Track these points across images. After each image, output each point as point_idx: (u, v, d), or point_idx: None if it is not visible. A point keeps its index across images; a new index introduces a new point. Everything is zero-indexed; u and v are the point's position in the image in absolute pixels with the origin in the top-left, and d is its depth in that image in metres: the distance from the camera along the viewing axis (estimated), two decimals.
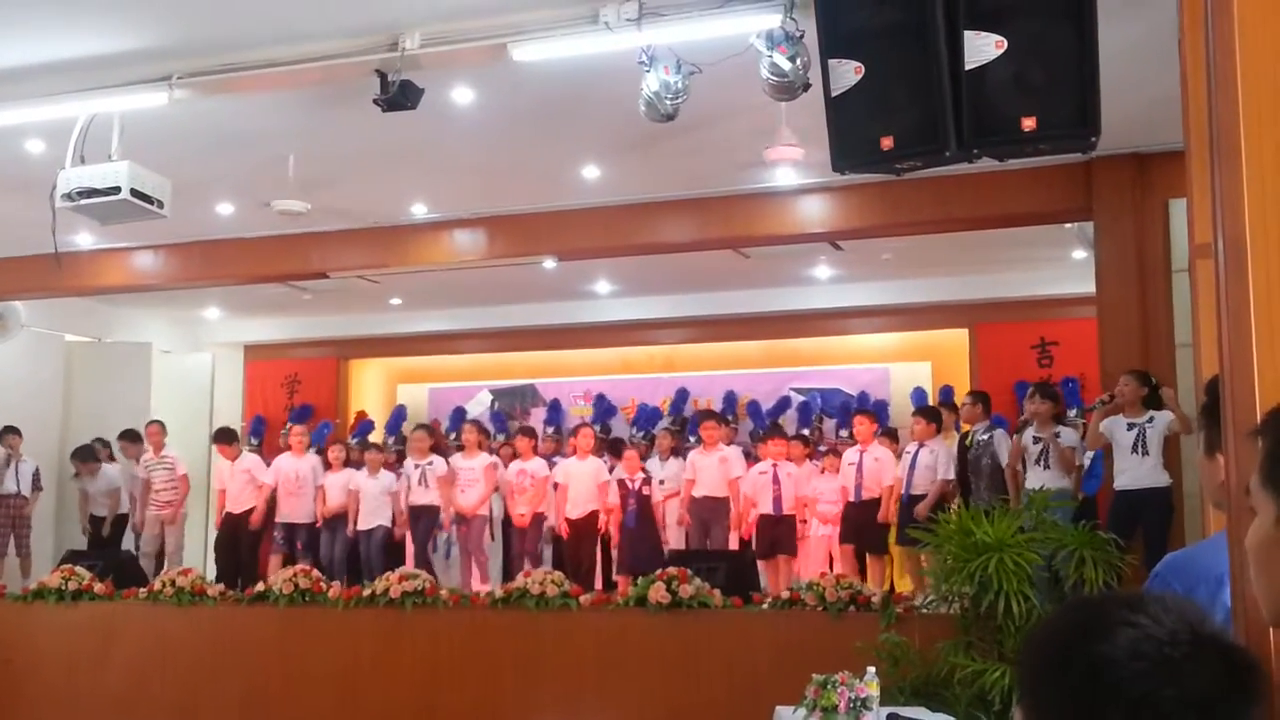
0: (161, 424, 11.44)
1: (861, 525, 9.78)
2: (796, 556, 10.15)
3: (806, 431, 12.26)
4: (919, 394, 12.99)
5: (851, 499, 9.94)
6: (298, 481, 10.81)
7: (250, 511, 10.80)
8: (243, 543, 10.77)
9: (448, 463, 10.57)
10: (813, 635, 7.01)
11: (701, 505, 9.98)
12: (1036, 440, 8.11)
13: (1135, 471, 7.51)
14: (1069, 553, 6.24)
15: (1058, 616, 1.37)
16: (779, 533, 9.97)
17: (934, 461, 9.37)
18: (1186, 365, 7.37)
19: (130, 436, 11.64)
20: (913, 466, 9.43)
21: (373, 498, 10.57)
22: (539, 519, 10.40)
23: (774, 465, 10.17)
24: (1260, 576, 1.39)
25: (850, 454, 10.21)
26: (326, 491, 10.76)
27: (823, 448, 11.65)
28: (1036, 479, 7.93)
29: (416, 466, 10.48)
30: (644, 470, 10.57)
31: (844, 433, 12.74)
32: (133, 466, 11.59)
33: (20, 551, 11.03)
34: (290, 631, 8.17)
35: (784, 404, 13.52)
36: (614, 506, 10.34)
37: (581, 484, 10.24)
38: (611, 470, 10.68)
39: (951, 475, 9.25)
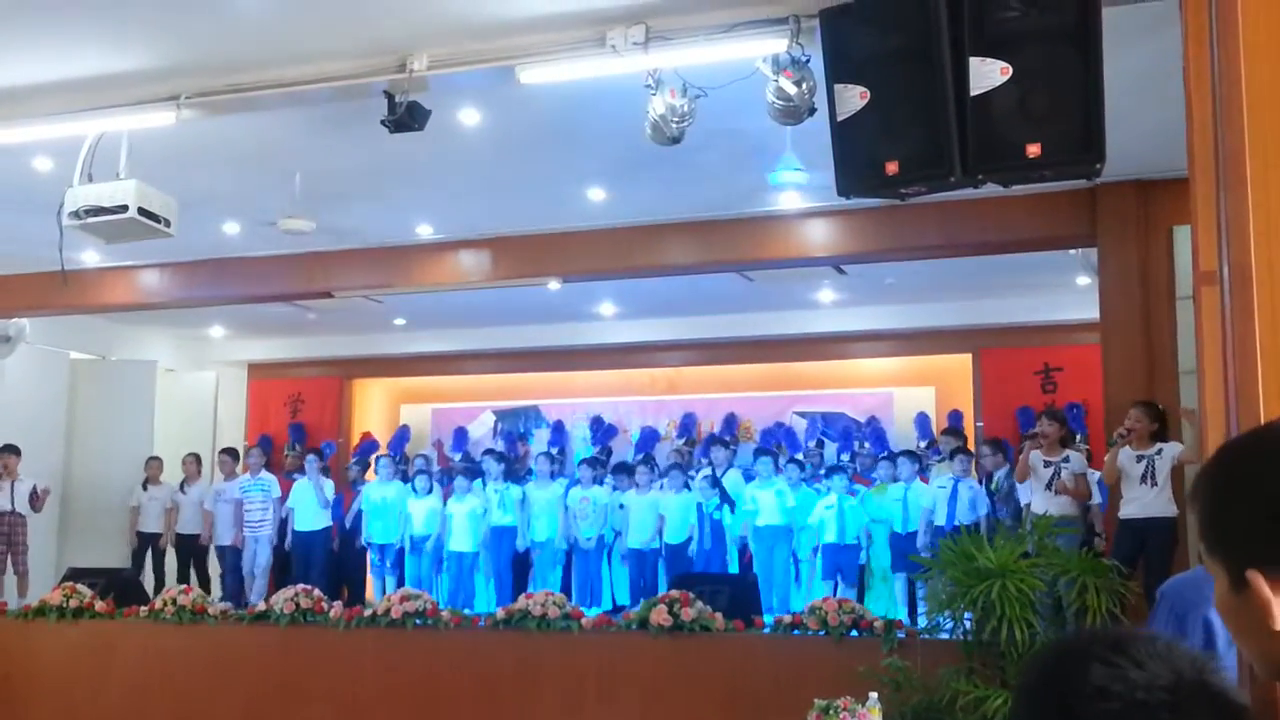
0: (262, 448, 12.42)
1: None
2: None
3: (801, 456, 12.23)
4: (922, 419, 12.99)
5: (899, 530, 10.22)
6: (385, 506, 11.59)
7: (320, 531, 11.49)
8: (314, 562, 11.34)
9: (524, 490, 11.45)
10: (815, 660, 6.99)
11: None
12: (1047, 464, 8.12)
13: (1143, 501, 7.50)
14: (1072, 579, 6.22)
15: (1044, 648, 1.37)
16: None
17: (974, 496, 9.80)
18: (1190, 392, 7.36)
19: (232, 454, 12.30)
20: (953, 498, 9.78)
21: (461, 521, 11.27)
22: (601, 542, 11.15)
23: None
24: (1237, 639, 1.38)
25: (896, 489, 10.38)
26: (415, 515, 11.37)
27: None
28: (1042, 504, 7.93)
29: (496, 491, 11.34)
30: (716, 497, 10.95)
31: (844, 457, 12.74)
32: (216, 485, 12.12)
33: (17, 570, 11.00)
34: (291, 651, 8.15)
35: (789, 433, 13.53)
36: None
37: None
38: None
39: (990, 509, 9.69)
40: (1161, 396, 7.76)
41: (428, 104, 6.07)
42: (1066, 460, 8.09)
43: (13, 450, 11.17)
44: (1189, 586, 2.07)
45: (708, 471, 11.46)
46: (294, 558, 11.45)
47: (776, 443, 13.02)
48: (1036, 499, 8.09)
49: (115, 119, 6.53)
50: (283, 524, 11.66)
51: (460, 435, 14.66)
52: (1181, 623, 2.04)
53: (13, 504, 11.05)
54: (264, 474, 11.86)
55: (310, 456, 12.00)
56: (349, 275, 10.35)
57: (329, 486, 11.78)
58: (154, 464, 12.34)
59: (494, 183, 8.40)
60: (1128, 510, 7.57)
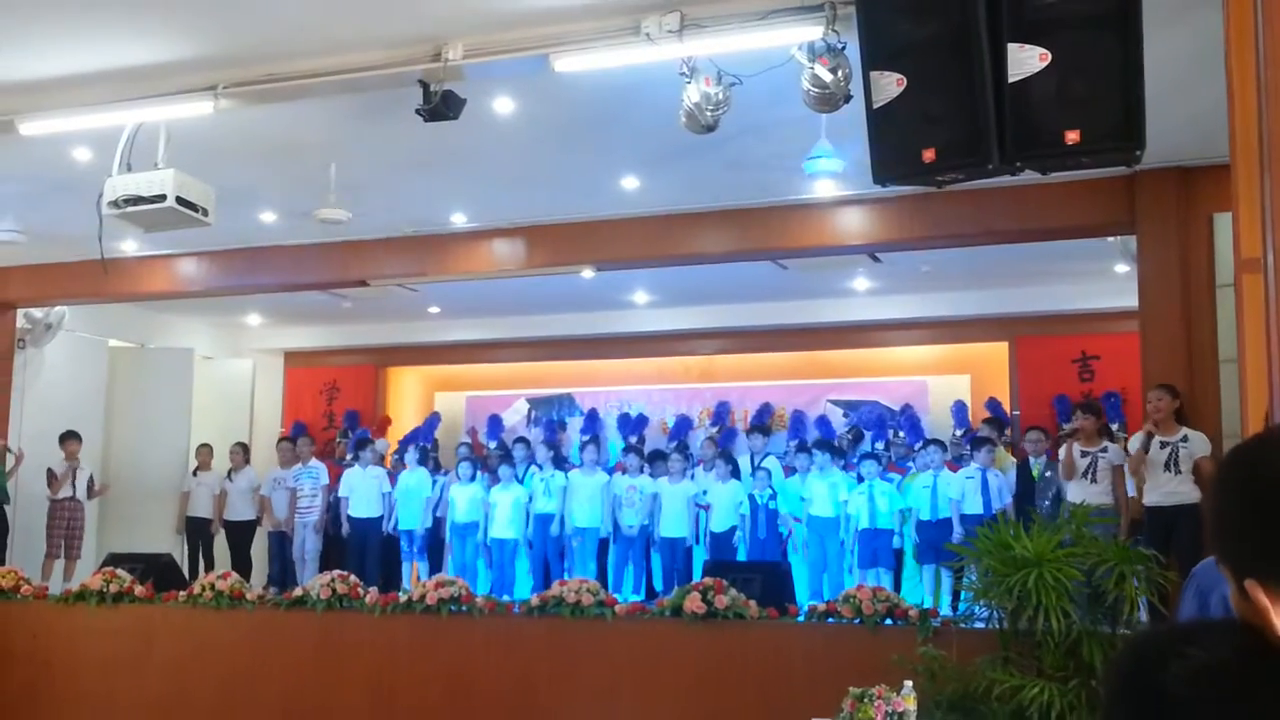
0: (311, 437, 12.79)
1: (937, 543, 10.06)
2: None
3: (835, 443, 12.22)
4: (959, 407, 12.92)
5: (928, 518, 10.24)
6: (412, 492, 11.73)
7: (376, 519, 11.71)
8: (369, 549, 11.58)
9: (566, 477, 11.52)
10: (849, 648, 6.97)
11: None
12: (1084, 455, 8.10)
13: (1167, 488, 7.50)
14: (1109, 568, 6.17)
15: (1120, 650, 1.49)
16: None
17: (1001, 485, 9.91)
18: (1230, 381, 7.29)
19: (292, 443, 12.58)
20: (984, 489, 9.88)
21: (505, 508, 11.35)
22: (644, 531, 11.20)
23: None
24: None
25: (925, 477, 10.37)
26: (456, 503, 11.50)
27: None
28: (1080, 493, 7.93)
29: (542, 479, 11.49)
30: (770, 487, 11.01)
31: (879, 445, 12.70)
32: (274, 473, 12.33)
33: (70, 555, 11.24)
34: (328, 636, 8.21)
35: (823, 421, 13.51)
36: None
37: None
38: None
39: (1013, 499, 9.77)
40: (1200, 385, 7.71)
41: (462, 93, 6.09)
42: (1105, 450, 8.06)
43: (75, 437, 11.41)
44: (1215, 567, 2.10)
45: (771, 462, 11.47)
46: (350, 545, 11.59)
47: (801, 438, 13.03)
48: (1074, 489, 8.08)
49: (154, 109, 6.59)
50: (332, 510, 11.81)
51: (494, 423, 14.71)
52: (1206, 599, 2.08)
53: (74, 491, 11.32)
54: (314, 462, 12.10)
55: (367, 447, 12.20)
56: (384, 264, 10.40)
57: (384, 475, 11.96)
58: (204, 451, 12.58)
59: (528, 171, 8.41)
60: (1151, 498, 7.57)
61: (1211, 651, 1.33)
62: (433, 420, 14.94)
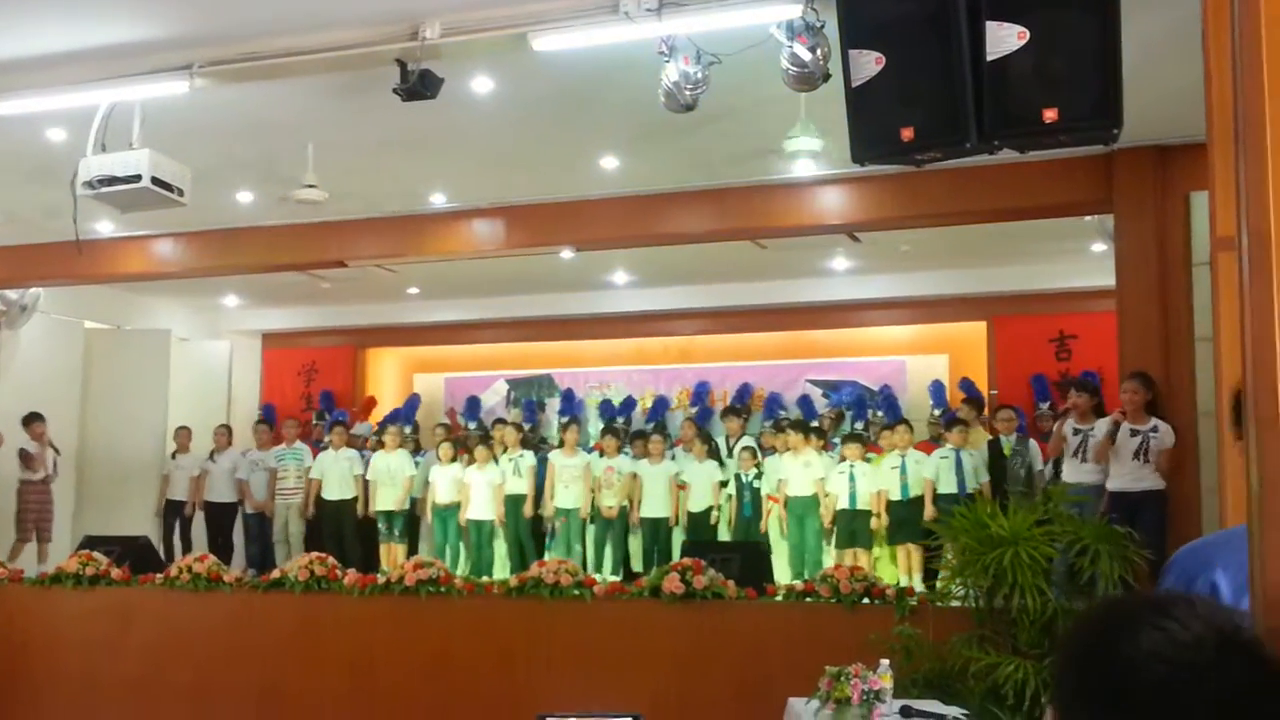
0: (294, 419, 12.76)
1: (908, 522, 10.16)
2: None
3: (815, 424, 12.25)
4: (937, 386, 12.97)
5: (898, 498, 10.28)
6: (389, 473, 11.59)
7: (352, 500, 11.62)
8: (346, 530, 11.54)
9: (548, 459, 11.50)
10: (827, 627, 7.01)
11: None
12: (1076, 432, 8.12)
13: (1134, 475, 7.57)
14: (1084, 547, 6.21)
15: (1086, 616, 1.39)
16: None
17: (976, 463, 10.00)
18: (1206, 360, 7.34)
19: (267, 424, 12.67)
20: (958, 468, 9.99)
21: (481, 490, 11.33)
22: (623, 512, 11.18)
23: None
24: None
25: (893, 457, 10.43)
26: (436, 485, 11.45)
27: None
28: (1073, 472, 7.96)
29: (510, 460, 11.40)
30: (757, 466, 11.02)
31: (859, 425, 12.75)
32: (251, 454, 12.31)
33: (42, 537, 11.16)
34: (306, 618, 8.20)
35: (804, 400, 13.54)
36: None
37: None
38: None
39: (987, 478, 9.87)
40: (1177, 364, 7.74)
41: (440, 72, 6.05)
42: (1094, 430, 8.05)
43: (39, 417, 11.32)
44: (1200, 552, 2.13)
45: (749, 441, 11.48)
46: (324, 526, 11.56)
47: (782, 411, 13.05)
48: (1066, 467, 8.11)
49: (128, 89, 6.52)
50: (309, 492, 11.80)
51: (473, 404, 14.69)
52: (1190, 585, 2.09)
53: (45, 473, 11.24)
54: (298, 444, 12.10)
55: (337, 427, 12.22)
56: (362, 244, 10.35)
57: (356, 457, 11.91)
58: (183, 433, 12.54)
59: (507, 151, 8.37)
60: (1116, 484, 7.63)
61: (1189, 627, 1.26)
62: (413, 401, 14.91)
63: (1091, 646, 1.31)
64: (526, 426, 13.04)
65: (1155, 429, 7.58)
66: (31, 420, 11.35)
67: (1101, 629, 1.32)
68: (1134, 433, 7.61)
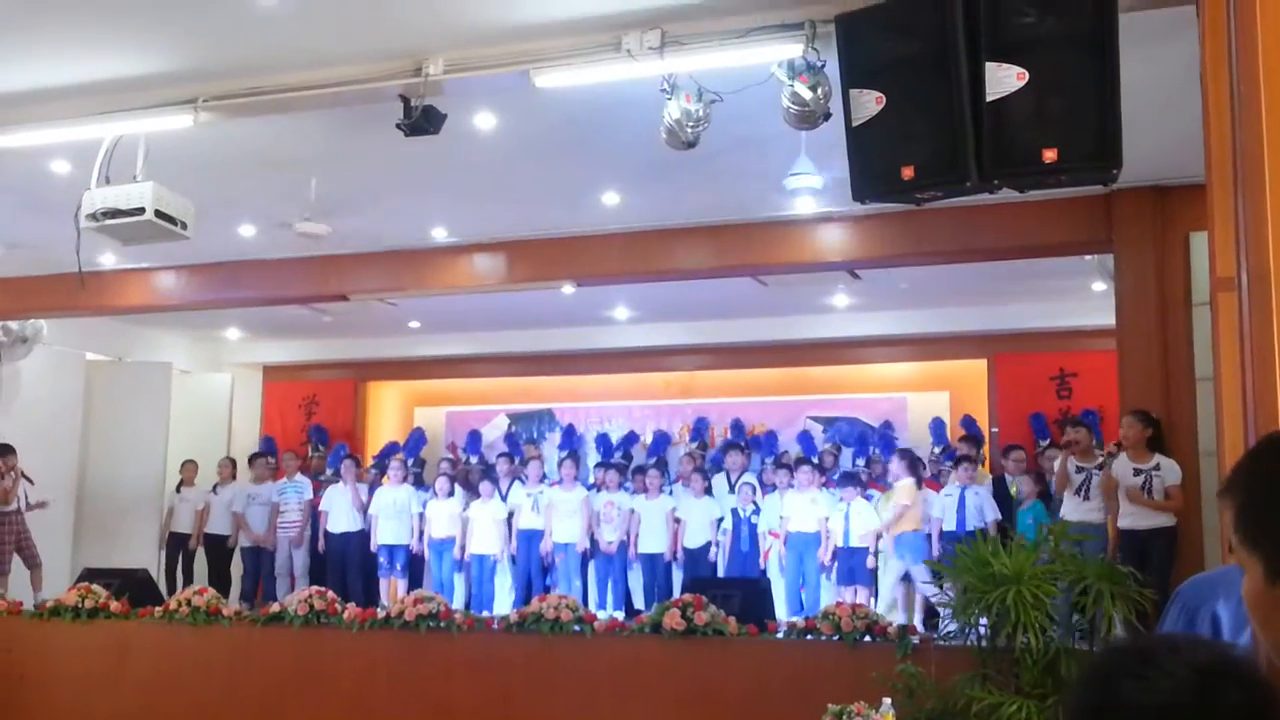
0: (295, 452, 12.78)
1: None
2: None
3: (816, 460, 12.24)
4: (937, 424, 12.96)
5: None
6: (395, 507, 11.57)
7: (354, 534, 11.63)
8: (350, 564, 11.58)
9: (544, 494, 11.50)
10: (829, 665, 6.97)
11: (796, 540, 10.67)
12: (1079, 470, 8.07)
13: (1141, 513, 7.54)
14: (1087, 586, 6.19)
15: (1084, 668, 1.42)
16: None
17: (981, 503, 9.88)
18: (1207, 399, 7.33)
19: (264, 459, 12.62)
20: (961, 506, 9.87)
21: (485, 524, 11.36)
22: (623, 547, 11.20)
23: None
24: (1263, 630, 1.40)
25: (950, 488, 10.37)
26: (432, 519, 11.47)
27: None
28: (1075, 510, 7.91)
29: (529, 495, 11.45)
30: (754, 503, 11.01)
31: (859, 461, 12.73)
32: (248, 489, 12.27)
33: (32, 564, 11.01)
34: (305, 652, 8.16)
35: (804, 437, 13.52)
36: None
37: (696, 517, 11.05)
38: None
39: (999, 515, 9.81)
40: (1178, 403, 7.75)
41: (443, 108, 6.08)
42: (1099, 467, 7.99)
43: (9, 449, 11.10)
44: (1203, 585, 2.16)
45: (750, 478, 11.46)
46: (329, 560, 11.54)
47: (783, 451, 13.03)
48: (1067, 505, 8.06)
49: (133, 122, 6.56)
50: (314, 526, 11.79)
51: (474, 438, 14.68)
52: (1193, 616, 2.12)
53: (18, 504, 11.07)
54: (299, 477, 12.09)
55: (347, 460, 12.18)
56: (364, 278, 10.38)
57: (363, 490, 11.89)
58: (189, 467, 12.53)
59: (509, 186, 8.41)
60: (1126, 522, 7.60)
61: (1172, 672, 1.26)
62: (419, 436, 14.88)
63: (1084, 700, 1.32)
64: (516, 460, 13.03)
65: (1158, 467, 7.55)
66: (1, 453, 11.19)
67: (1089, 683, 1.33)
68: (1136, 471, 7.59)
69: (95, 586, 8.83)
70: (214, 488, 12.33)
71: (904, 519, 10.07)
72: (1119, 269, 8.32)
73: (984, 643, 6.29)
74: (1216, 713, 1.24)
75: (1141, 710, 1.25)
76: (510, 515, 11.46)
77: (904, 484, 10.20)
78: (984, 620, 6.21)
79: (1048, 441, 11.92)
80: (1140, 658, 1.30)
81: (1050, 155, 4.33)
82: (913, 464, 10.36)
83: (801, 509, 10.63)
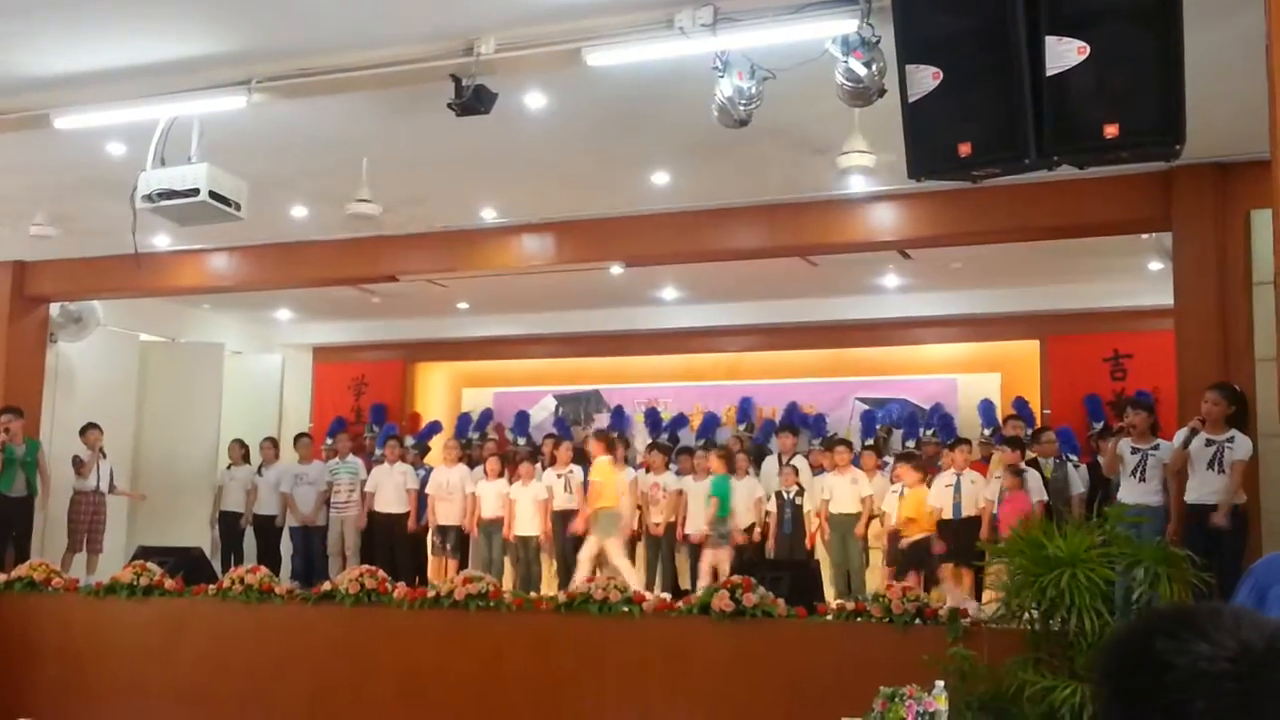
0: (347, 431, 12.90)
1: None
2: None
3: (871, 442, 12.16)
4: (987, 406, 12.83)
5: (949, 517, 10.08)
6: (448, 488, 11.56)
7: (405, 515, 11.75)
8: (398, 543, 11.62)
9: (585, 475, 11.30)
10: (878, 647, 6.92)
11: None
12: (1135, 451, 7.92)
13: (1210, 486, 7.36)
14: (1144, 569, 6.10)
15: (1117, 630, 1.37)
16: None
17: (1035, 484, 9.70)
18: (1268, 380, 7.22)
19: (308, 438, 12.73)
20: (957, 494, 9.84)
21: (526, 505, 11.27)
22: (670, 529, 11.10)
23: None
24: None
25: (946, 476, 10.20)
26: (481, 499, 11.43)
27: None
28: (1130, 493, 7.78)
29: (559, 475, 11.28)
30: (798, 484, 10.91)
31: (910, 443, 12.63)
32: (295, 469, 12.36)
33: (92, 548, 11.27)
34: (356, 631, 8.23)
35: (868, 416, 13.42)
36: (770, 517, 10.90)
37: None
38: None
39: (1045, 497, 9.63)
40: (1237, 384, 7.61)
41: (494, 88, 6.08)
42: (1156, 448, 7.84)
43: (95, 427, 11.46)
44: (1275, 563, 2.08)
45: (799, 461, 11.39)
46: (377, 539, 11.63)
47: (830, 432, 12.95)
48: (1124, 488, 7.91)
49: (187, 103, 6.62)
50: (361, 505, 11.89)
51: (522, 419, 14.71)
52: (1263, 596, 2.05)
53: (98, 483, 11.35)
54: (351, 457, 12.17)
55: (391, 441, 12.28)
56: (414, 259, 10.42)
57: (408, 470, 11.97)
58: (237, 446, 12.62)
59: (559, 166, 8.40)
60: (1193, 495, 7.43)
61: (1216, 641, 1.22)
62: (485, 415, 14.85)
63: (1112, 657, 1.30)
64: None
65: (1231, 439, 7.37)
66: (87, 429, 11.49)
67: (1120, 640, 1.31)
68: (1209, 442, 7.41)
69: (150, 564, 8.95)
70: (259, 469, 12.44)
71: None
72: (1177, 247, 8.19)
73: (1037, 626, 6.22)
74: (1257, 686, 1.20)
75: (1173, 670, 1.22)
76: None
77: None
78: (1036, 604, 6.14)
79: (1101, 424, 11.77)
80: (1183, 621, 1.26)
81: (1111, 131, 4.26)
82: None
83: (842, 490, 10.57)
